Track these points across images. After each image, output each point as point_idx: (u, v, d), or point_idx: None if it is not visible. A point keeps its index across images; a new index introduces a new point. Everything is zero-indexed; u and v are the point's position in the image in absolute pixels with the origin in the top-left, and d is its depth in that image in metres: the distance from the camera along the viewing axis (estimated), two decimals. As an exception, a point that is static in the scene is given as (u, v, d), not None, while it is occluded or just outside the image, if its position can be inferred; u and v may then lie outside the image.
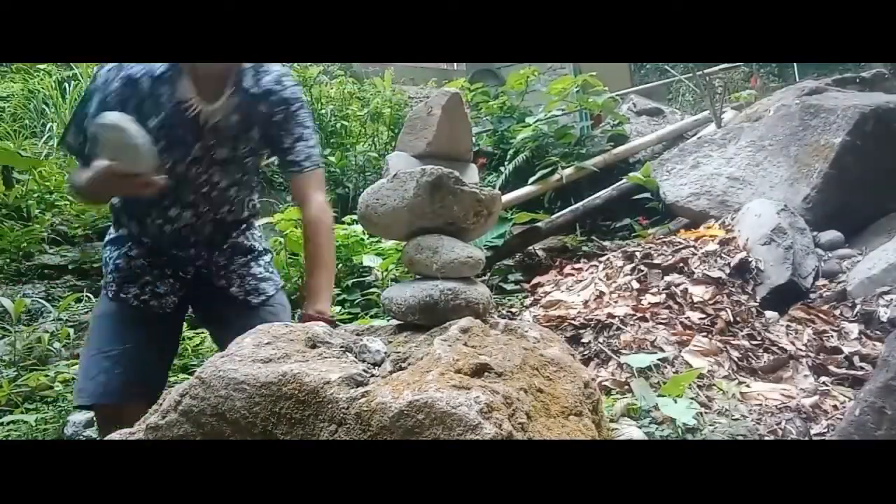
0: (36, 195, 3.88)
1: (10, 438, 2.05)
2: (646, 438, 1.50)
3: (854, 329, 2.10)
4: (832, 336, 2.09)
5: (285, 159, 1.60)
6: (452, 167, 1.23)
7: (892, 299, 2.13)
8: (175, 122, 1.45)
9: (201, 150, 1.50)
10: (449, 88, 1.34)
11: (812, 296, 2.39)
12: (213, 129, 1.50)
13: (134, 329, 1.54)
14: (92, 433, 2.10)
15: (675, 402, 1.60)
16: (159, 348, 1.60)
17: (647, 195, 3.49)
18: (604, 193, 3.67)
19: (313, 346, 1.15)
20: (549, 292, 2.71)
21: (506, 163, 4.13)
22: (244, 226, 1.69)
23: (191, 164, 1.51)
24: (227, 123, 1.51)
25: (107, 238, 1.67)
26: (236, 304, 1.63)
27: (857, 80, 4.78)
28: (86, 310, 3.07)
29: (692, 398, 1.69)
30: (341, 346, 1.16)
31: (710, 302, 2.26)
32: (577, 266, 2.99)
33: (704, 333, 2.10)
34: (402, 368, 1.04)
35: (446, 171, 1.17)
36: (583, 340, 2.15)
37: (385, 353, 1.12)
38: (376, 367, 1.07)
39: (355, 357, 1.11)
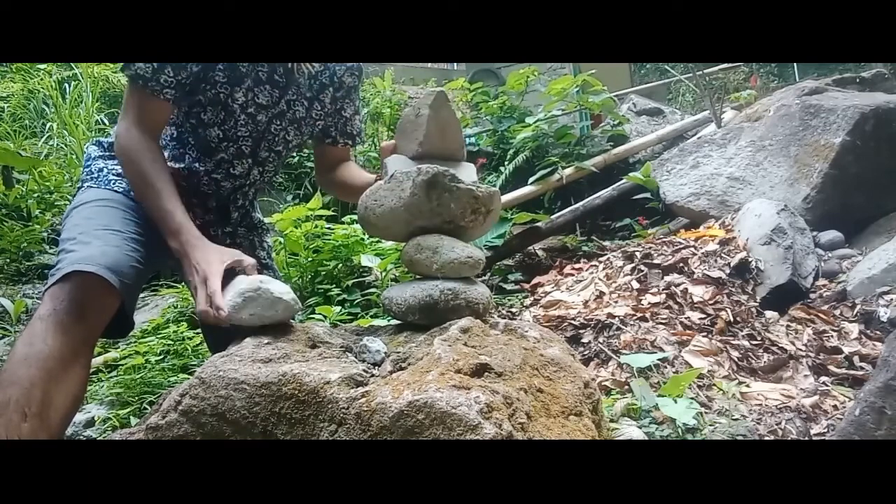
0: (36, 195, 3.88)
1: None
2: (646, 438, 1.50)
3: (854, 329, 2.09)
4: (832, 336, 2.09)
5: (344, 128, 1.66)
6: (448, 167, 1.24)
7: (892, 299, 2.12)
8: (267, 66, 1.46)
9: (285, 105, 1.52)
10: (433, 88, 1.36)
11: (812, 296, 2.39)
12: (298, 82, 1.51)
13: (144, 228, 1.36)
14: (92, 433, 2.10)
15: (675, 402, 1.60)
16: (152, 267, 1.42)
17: (647, 195, 3.49)
18: (604, 193, 3.67)
19: (313, 346, 1.15)
20: (549, 292, 2.71)
21: (506, 163, 4.14)
22: (255, 194, 1.71)
23: (274, 117, 1.52)
24: (309, 79, 1.53)
25: (102, 150, 1.52)
26: None
27: (857, 80, 4.78)
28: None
29: (692, 398, 1.69)
30: (341, 346, 1.16)
31: (710, 302, 2.26)
32: (577, 266, 2.99)
33: (704, 333, 2.10)
34: (402, 368, 1.04)
35: (442, 170, 1.18)
36: (583, 340, 2.15)
37: (385, 353, 1.12)
38: (376, 367, 1.08)
39: (355, 357, 1.11)
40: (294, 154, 4.38)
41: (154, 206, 1.27)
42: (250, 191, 1.65)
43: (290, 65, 1.48)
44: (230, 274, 1.22)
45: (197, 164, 1.50)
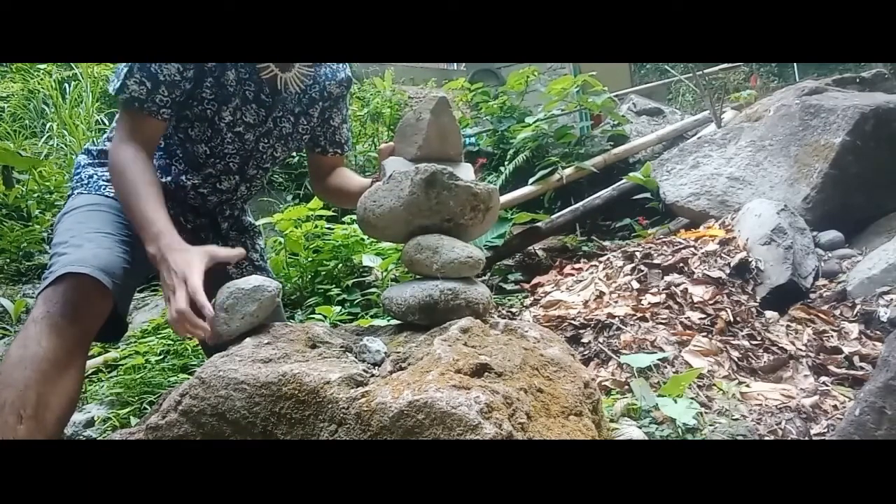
0: (36, 195, 3.88)
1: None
2: (646, 438, 1.50)
3: (854, 329, 2.09)
4: (832, 336, 2.09)
5: (332, 137, 1.65)
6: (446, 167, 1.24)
7: (892, 299, 2.12)
8: (254, 86, 1.44)
9: (272, 123, 1.51)
10: (436, 93, 1.36)
11: (812, 296, 2.39)
12: (285, 99, 1.50)
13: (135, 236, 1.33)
14: (92, 433, 2.10)
15: (675, 402, 1.60)
16: (144, 270, 1.39)
17: (647, 195, 3.49)
18: (604, 193, 3.67)
19: (313, 346, 1.15)
20: (549, 292, 2.71)
21: (506, 163, 4.13)
22: (244, 203, 1.71)
23: (262, 136, 1.51)
24: (298, 94, 1.52)
25: (91, 157, 1.51)
26: None
27: (857, 80, 4.78)
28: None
29: (692, 398, 1.69)
30: (341, 346, 1.16)
31: (710, 302, 2.26)
32: (577, 266, 2.99)
33: (704, 333, 2.10)
34: (402, 368, 1.04)
35: (440, 168, 1.18)
36: (583, 340, 2.15)
37: (385, 352, 1.12)
38: (376, 367, 1.08)
39: (355, 357, 1.11)
40: (293, 155, 4.38)
41: (137, 213, 1.24)
42: (238, 202, 1.65)
43: (277, 84, 1.46)
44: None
45: (184, 178, 1.50)
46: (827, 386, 1.82)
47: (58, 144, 4.46)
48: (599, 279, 2.63)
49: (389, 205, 1.22)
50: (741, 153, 3.23)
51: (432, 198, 1.18)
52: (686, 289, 2.35)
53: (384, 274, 2.77)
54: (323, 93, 1.58)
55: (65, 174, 4.08)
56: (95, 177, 1.46)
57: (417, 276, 1.26)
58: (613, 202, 3.65)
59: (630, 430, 1.52)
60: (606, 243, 3.43)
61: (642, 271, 2.53)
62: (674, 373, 1.86)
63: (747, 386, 1.84)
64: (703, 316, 2.20)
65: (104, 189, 1.43)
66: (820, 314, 2.21)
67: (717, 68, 6.34)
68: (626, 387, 1.83)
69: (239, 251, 1.26)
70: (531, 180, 3.82)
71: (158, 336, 2.61)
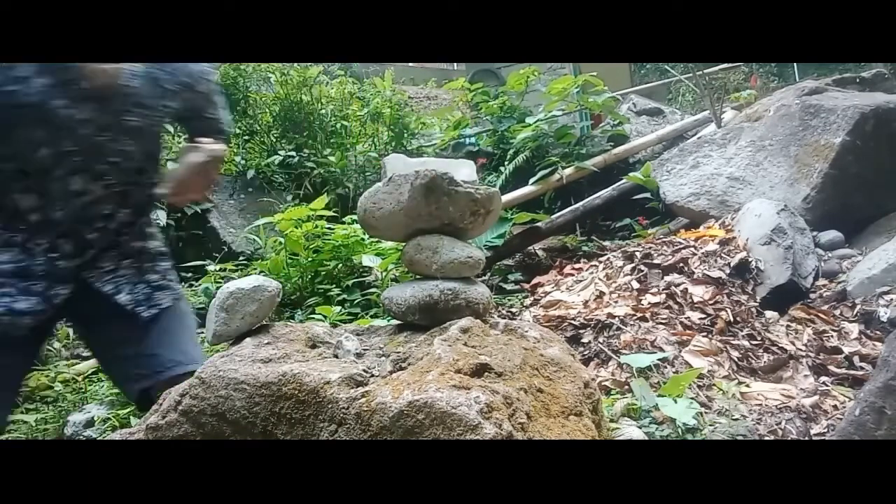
0: (36, 195, 3.87)
1: (10, 438, 2.07)
2: (646, 438, 1.50)
3: (854, 329, 2.10)
4: (832, 336, 2.09)
5: (214, 125, 1.52)
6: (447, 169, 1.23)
7: (892, 299, 2.13)
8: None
9: (110, 116, 1.31)
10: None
11: (812, 296, 2.39)
12: (114, 93, 1.31)
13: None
14: (92, 433, 2.10)
15: (675, 402, 1.60)
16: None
17: (647, 195, 3.49)
18: (604, 193, 3.67)
19: (313, 346, 1.15)
20: (549, 292, 2.71)
21: (506, 163, 4.13)
22: (140, 221, 1.47)
23: (100, 129, 1.31)
24: (132, 86, 1.33)
25: None
26: (123, 318, 1.40)
27: (857, 80, 4.78)
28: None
29: (692, 398, 1.69)
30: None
31: (710, 302, 2.26)
32: (577, 266, 2.99)
33: (704, 333, 2.10)
34: (402, 368, 1.04)
35: (440, 173, 1.18)
36: (583, 340, 2.15)
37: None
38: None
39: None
40: (292, 156, 4.37)
41: None
42: (116, 216, 1.41)
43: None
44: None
45: (25, 253, 1.31)
46: (827, 386, 1.82)
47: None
48: (599, 279, 2.63)
49: (389, 208, 1.21)
50: (741, 153, 3.23)
51: (431, 203, 1.18)
52: (686, 289, 2.35)
53: (384, 274, 2.77)
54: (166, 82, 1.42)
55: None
56: None
57: (417, 276, 1.26)
58: (613, 202, 3.65)
59: (630, 430, 1.52)
60: (606, 243, 3.43)
61: (642, 271, 2.53)
62: (674, 373, 1.86)
63: (747, 386, 1.84)
64: (703, 316, 2.20)
65: None
66: (820, 314, 2.21)
67: (717, 68, 6.34)
68: (626, 387, 1.83)
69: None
70: (531, 180, 3.82)
71: (158, 336, 2.60)
